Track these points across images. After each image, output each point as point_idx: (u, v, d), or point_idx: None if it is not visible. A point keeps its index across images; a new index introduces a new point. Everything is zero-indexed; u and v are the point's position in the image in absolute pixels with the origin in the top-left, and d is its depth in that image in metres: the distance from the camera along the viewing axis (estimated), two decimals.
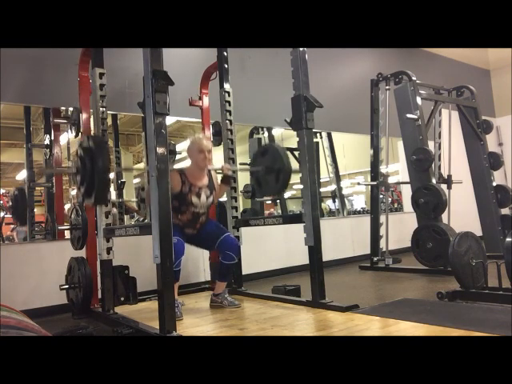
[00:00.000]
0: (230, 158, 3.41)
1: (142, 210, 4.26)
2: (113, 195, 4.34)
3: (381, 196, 4.78)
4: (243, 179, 4.71)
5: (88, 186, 2.37)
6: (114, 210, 4.28)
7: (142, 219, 4.63)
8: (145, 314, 2.87)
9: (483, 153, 4.91)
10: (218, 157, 3.76)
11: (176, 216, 2.85)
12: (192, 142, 2.92)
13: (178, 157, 4.45)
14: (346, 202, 6.38)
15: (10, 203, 3.83)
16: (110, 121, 4.05)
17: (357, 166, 6.55)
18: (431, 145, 4.54)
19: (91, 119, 3.20)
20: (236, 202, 3.42)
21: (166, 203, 2.13)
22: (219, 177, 3.17)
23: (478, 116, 4.90)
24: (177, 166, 4.31)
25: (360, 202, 6.92)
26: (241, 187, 4.59)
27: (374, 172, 4.72)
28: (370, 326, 2.22)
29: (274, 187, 3.14)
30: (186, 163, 3.04)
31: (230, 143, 3.43)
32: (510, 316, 2.14)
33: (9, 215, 4.19)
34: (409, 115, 4.10)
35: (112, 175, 4.32)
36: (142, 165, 4.83)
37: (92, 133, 3.16)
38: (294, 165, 3.01)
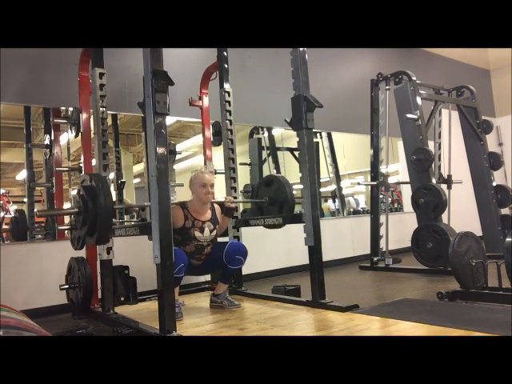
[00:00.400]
0: (229, 158, 3.41)
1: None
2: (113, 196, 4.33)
3: (381, 196, 4.78)
4: (243, 179, 4.71)
5: (90, 226, 2.35)
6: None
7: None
8: (145, 314, 2.87)
9: (483, 153, 4.90)
10: (218, 157, 3.77)
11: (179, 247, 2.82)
12: (195, 177, 2.92)
13: (178, 157, 4.45)
14: (352, 200, 6.39)
15: (10, 226, 3.82)
16: (110, 121, 4.05)
17: (357, 166, 6.55)
18: (431, 145, 4.54)
19: (91, 119, 3.20)
20: None
21: (166, 203, 2.13)
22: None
23: (478, 116, 4.90)
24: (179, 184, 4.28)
25: (360, 201, 6.92)
26: (241, 187, 4.59)
27: (374, 172, 4.71)
28: (370, 326, 2.22)
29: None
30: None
31: (229, 143, 3.43)
32: (509, 316, 2.14)
33: (9, 215, 4.19)
34: (409, 115, 4.10)
35: (112, 175, 4.31)
36: (142, 165, 4.83)
37: (92, 132, 3.16)
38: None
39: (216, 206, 3.08)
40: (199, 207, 2.92)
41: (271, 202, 3.18)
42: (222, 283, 3.00)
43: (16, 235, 3.78)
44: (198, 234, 2.88)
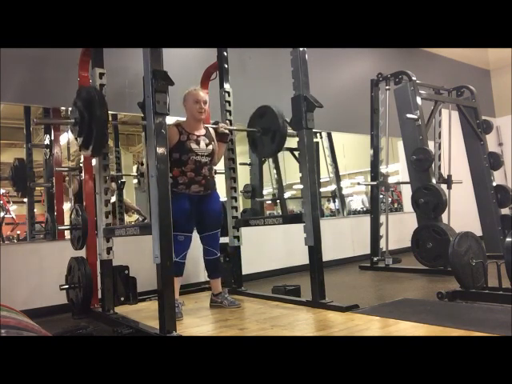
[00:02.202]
0: (229, 158, 3.41)
1: (141, 184, 4.25)
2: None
3: (381, 196, 4.78)
4: (243, 179, 4.71)
5: (86, 137, 2.42)
6: (113, 186, 4.25)
7: (141, 219, 4.64)
8: (145, 313, 2.87)
9: (483, 153, 4.90)
10: None
11: (179, 173, 2.80)
12: (188, 93, 2.88)
13: None
14: (366, 198, 6.41)
15: (10, 173, 3.78)
16: None
17: (357, 166, 6.55)
18: (431, 145, 4.54)
19: None
20: (236, 202, 3.42)
21: (166, 203, 2.13)
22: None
23: (478, 116, 4.90)
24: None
25: (360, 201, 6.92)
26: (241, 187, 4.59)
27: (374, 172, 4.71)
28: (370, 326, 2.22)
29: (269, 148, 3.19)
30: None
31: (229, 143, 3.43)
32: (509, 316, 2.14)
33: (9, 215, 4.19)
34: (409, 115, 4.09)
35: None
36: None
37: None
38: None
39: (211, 129, 3.05)
40: (193, 124, 2.89)
41: (264, 132, 3.18)
42: (212, 279, 3.02)
43: (16, 184, 3.79)
44: (194, 145, 2.84)
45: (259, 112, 3.24)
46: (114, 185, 4.24)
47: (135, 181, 5.04)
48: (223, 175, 3.48)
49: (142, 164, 3.97)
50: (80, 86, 3.13)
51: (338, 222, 5.59)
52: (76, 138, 2.54)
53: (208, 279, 3.86)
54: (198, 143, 2.86)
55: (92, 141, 2.44)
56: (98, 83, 2.94)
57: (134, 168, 5.07)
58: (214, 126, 3.10)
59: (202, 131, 2.95)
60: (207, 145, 2.91)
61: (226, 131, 3.10)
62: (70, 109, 3.47)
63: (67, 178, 4.03)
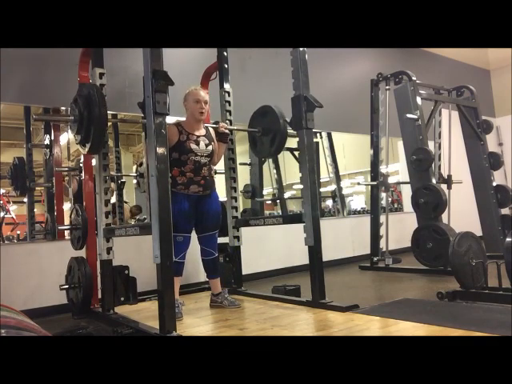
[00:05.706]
0: (229, 158, 3.41)
1: (141, 184, 4.27)
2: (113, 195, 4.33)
3: (381, 196, 4.78)
4: (243, 179, 4.71)
5: (84, 135, 2.46)
6: (113, 185, 4.25)
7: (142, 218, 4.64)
8: (145, 313, 2.87)
9: (483, 153, 4.91)
10: None
11: (178, 172, 2.79)
12: (188, 93, 2.88)
13: None
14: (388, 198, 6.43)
15: (10, 173, 3.79)
16: None
17: (357, 166, 6.55)
18: (431, 145, 4.54)
19: None
20: (236, 202, 3.42)
21: (166, 203, 2.13)
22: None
23: (478, 116, 4.91)
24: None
25: (360, 201, 6.93)
26: (241, 187, 4.59)
27: (374, 172, 4.72)
28: (370, 326, 2.22)
29: (268, 150, 3.23)
30: None
31: (229, 143, 3.43)
32: (509, 316, 2.14)
33: (9, 215, 4.20)
34: (409, 115, 4.10)
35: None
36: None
37: None
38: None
39: (211, 129, 3.05)
40: (193, 123, 2.88)
41: (264, 133, 3.20)
42: (211, 279, 3.02)
43: (16, 182, 3.78)
44: (193, 146, 2.83)
45: (261, 111, 3.24)
46: (113, 185, 4.24)
47: (135, 181, 5.04)
48: (223, 175, 3.48)
49: (141, 165, 3.98)
50: (81, 83, 3.13)
51: (338, 222, 5.59)
52: (74, 136, 2.58)
53: (208, 279, 3.89)
54: (197, 143, 2.86)
55: (90, 139, 2.46)
56: (98, 83, 2.94)
57: (134, 168, 5.07)
58: (214, 125, 3.10)
59: (202, 131, 2.94)
60: (207, 145, 2.90)
61: (226, 131, 3.10)
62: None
63: (67, 178, 4.03)
